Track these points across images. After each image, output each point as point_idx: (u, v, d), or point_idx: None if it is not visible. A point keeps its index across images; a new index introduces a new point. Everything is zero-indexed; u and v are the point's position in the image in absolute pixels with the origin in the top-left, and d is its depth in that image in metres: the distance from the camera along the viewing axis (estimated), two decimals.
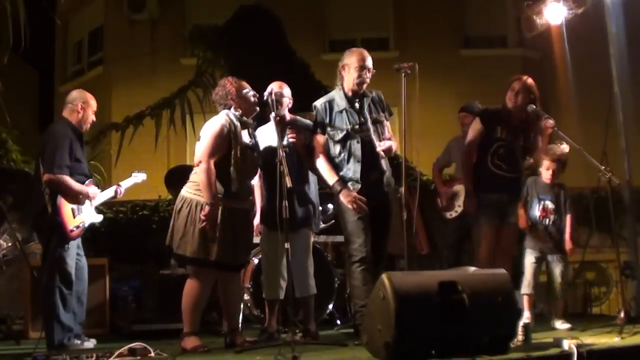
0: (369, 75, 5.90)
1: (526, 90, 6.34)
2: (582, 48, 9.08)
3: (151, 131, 11.26)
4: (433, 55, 15.14)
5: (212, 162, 5.51)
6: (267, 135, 6.27)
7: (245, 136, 5.79)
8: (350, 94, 5.97)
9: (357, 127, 5.88)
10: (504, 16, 16.39)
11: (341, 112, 5.93)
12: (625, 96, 7.63)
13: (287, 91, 6.33)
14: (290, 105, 6.36)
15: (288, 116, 6.33)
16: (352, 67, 5.89)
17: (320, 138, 5.99)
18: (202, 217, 5.41)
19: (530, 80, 6.40)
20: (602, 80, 8.03)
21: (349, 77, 5.93)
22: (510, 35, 16.55)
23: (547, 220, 6.58)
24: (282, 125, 6.05)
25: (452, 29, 16.44)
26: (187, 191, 5.64)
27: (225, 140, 5.58)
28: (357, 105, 5.96)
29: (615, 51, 7.66)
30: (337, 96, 6.00)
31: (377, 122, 5.97)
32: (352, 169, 5.86)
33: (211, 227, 5.42)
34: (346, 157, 5.88)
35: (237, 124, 5.67)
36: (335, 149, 5.93)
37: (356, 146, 5.87)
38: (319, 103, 6.02)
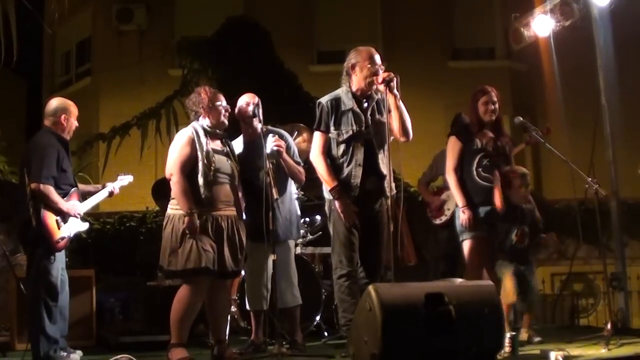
0: (381, 70, 5.70)
1: (497, 99, 6.30)
2: (569, 60, 9.14)
3: (138, 142, 11.25)
4: (421, 67, 15.20)
5: (182, 173, 5.51)
6: (241, 150, 6.21)
7: (215, 144, 5.71)
8: (359, 93, 5.79)
9: (363, 129, 5.72)
10: (492, 28, 16.46)
11: (347, 112, 5.75)
12: (612, 108, 7.69)
13: (259, 101, 6.17)
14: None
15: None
16: (363, 64, 5.73)
17: (322, 136, 5.81)
18: (184, 228, 5.40)
19: (495, 90, 6.37)
20: (589, 92, 8.07)
21: (359, 76, 5.75)
22: (498, 47, 16.59)
23: (522, 245, 6.43)
24: (263, 136, 5.93)
25: (440, 40, 16.48)
26: (170, 207, 5.65)
27: (192, 149, 5.57)
28: (364, 105, 5.79)
29: (603, 63, 7.72)
30: (343, 95, 5.81)
31: (380, 125, 5.76)
32: (353, 173, 5.71)
33: (193, 236, 5.40)
34: (348, 159, 5.73)
35: (202, 133, 5.63)
36: (338, 150, 5.76)
37: (359, 149, 5.71)
38: (324, 100, 5.82)
